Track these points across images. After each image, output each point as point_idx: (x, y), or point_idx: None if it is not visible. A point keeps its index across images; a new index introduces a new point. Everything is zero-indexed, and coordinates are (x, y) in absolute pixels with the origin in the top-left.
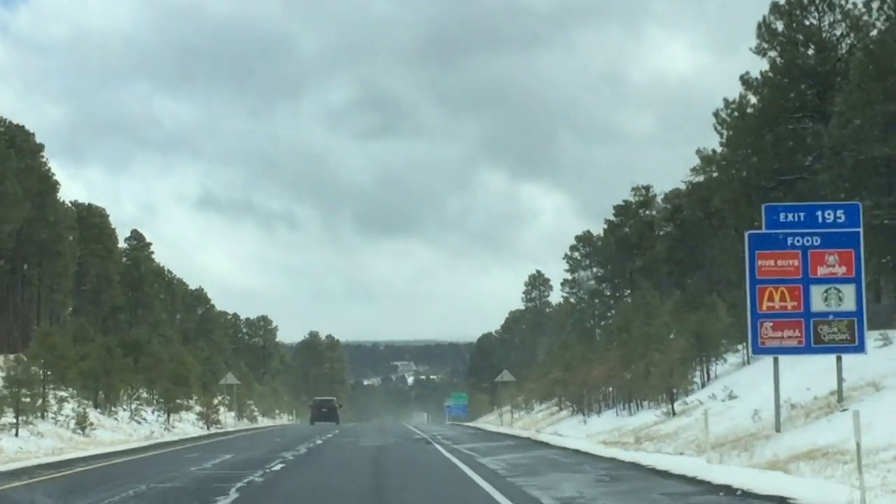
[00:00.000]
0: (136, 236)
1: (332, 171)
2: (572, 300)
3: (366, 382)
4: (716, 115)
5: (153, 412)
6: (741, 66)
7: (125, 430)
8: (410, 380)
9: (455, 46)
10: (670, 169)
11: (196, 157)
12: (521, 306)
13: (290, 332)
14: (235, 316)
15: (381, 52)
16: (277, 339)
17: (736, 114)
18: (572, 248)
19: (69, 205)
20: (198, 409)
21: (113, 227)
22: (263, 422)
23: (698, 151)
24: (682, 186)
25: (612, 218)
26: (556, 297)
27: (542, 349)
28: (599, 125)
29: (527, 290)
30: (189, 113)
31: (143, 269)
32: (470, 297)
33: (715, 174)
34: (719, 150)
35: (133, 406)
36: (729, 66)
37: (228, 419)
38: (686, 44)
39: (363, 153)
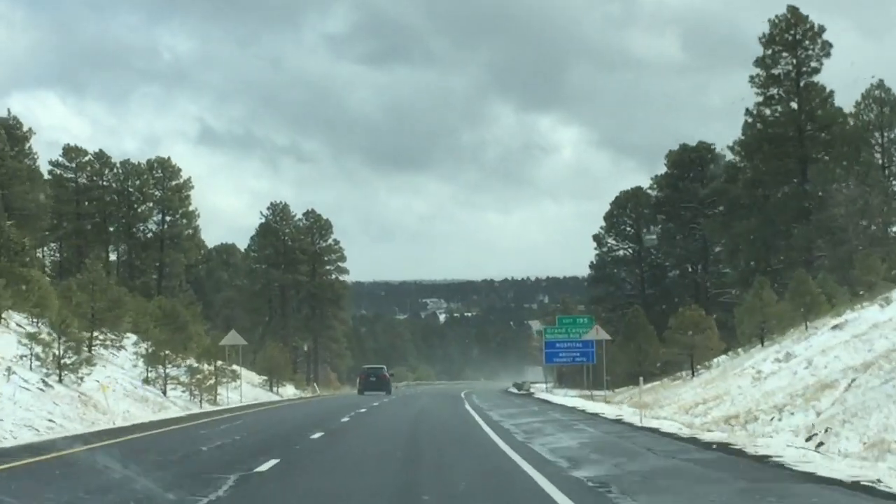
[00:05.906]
0: None
1: (337, 102)
2: None
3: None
4: None
5: None
6: None
7: None
8: (442, 317)
9: None
10: (692, 98)
11: (195, 90)
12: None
13: None
14: (102, 154)
15: None
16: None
17: None
18: None
19: None
20: None
21: None
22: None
23: None
24: None
25: None
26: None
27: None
28: (612, 51)
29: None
30: (184, 44)
31: None
32: (494, 233)
33: None
34: None
35: None
36: None
37: None
38: None
39: (369, 82)
